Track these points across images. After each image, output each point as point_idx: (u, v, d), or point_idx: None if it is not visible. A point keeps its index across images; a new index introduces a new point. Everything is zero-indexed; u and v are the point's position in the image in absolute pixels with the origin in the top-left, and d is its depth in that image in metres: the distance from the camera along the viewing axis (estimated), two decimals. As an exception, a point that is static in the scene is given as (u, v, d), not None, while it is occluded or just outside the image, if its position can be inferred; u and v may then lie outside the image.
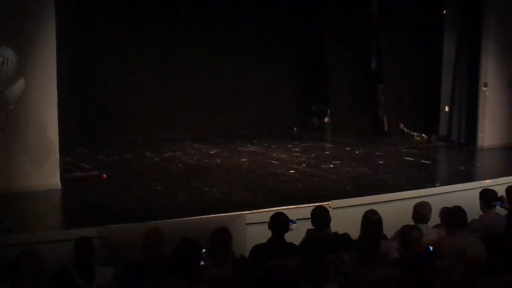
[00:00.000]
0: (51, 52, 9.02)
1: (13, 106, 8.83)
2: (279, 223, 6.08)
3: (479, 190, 7.23)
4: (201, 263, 5.02)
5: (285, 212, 6.34)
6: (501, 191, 7.16)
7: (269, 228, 6.09)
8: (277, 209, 6.94)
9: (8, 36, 8.73)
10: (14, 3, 8.74)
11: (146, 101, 14.84)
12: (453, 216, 6.10)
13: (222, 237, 5.59)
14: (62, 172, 9.52)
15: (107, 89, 14.48)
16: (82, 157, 11.83)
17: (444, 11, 14.07)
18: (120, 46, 14.51)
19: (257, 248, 5.97)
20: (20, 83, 8.81)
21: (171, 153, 12.64)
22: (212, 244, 5.56)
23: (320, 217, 6.33)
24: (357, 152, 12.83)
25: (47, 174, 9.13)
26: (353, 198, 8.43)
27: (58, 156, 9.27)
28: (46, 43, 8.96)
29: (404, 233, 5.64)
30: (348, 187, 9.44)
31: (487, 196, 6.91)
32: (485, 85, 12.92)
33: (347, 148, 13.30)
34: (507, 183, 8.17)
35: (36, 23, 8.86)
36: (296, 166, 11.13)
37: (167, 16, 14.98)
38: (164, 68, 15.01)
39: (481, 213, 6.89)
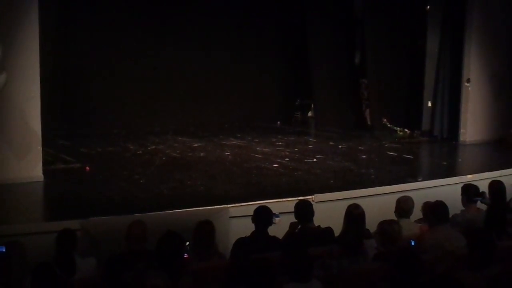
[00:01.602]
0: (33, 44, 8.96)
1: (-5, 98, 8.77)
2: (263, 217, 6.10)
3: (461, 185, 7.26)
4: (185, 256, 5.02)
5: (269, 206, 6.34)
6: (482, 186, 7.20)
7: (253, 222, 6.10)
8: (261, 203, 6.94)
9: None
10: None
11: (129, 94, 14.76)
12: (435, 210, 6.13)
13: (205, 230, 5.59)
14: (45, 164, 9.47)
15: (90, 81, 14.37)
16: (65, 149, 11.76)
17: (428, 7, 14.14)
18: (102, 39, 14.39)
19: (240, 242, 5.98)
20: (2, 75, 8.73)
21: (154, 146, 12.60)
22: (195, 237, 5.56)
23: (303, 211, 6.35)
24: (340, 146, 12.86)
25: (29, 166, 9.07)
26: (336, 192, 8.47)
27: (40, 148, 9.22)
28: (28, 35, 8.89)
29: (383, 228, 5.66)
30: (331, 181, 9.49)
31: (469, 191, 6.95)
32: (468, 80, 12.99)
33: (331, 143, 13.33)
34: (488, 178, 8.26)
35: (19, 15, 8.79)
36: (279, 160, 11.15)
37: (149, 8, 14.90)
38: (147, 61, 14.93)
39: (463, 208, 6.94)
